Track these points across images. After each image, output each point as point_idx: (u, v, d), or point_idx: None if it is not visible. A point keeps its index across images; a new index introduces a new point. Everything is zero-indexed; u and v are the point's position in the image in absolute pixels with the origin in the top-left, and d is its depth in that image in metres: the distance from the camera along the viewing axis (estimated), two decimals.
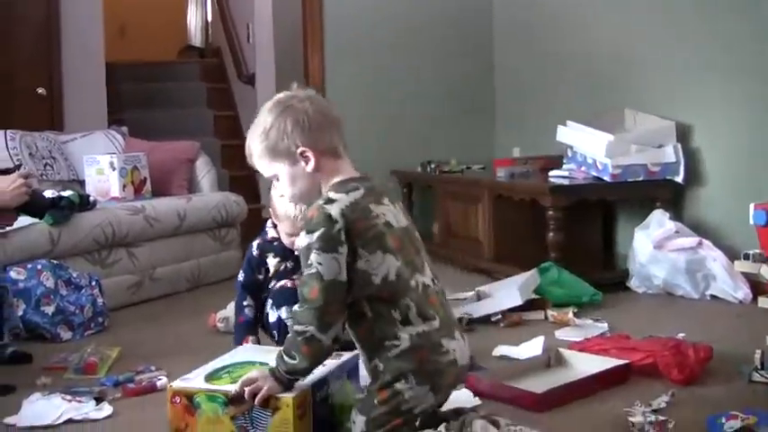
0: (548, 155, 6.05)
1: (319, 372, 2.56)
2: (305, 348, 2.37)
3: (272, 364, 2.48)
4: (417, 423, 2.43)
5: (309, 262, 2.37)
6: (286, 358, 2.41)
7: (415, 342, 2.38)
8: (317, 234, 2.36)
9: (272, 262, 3.62)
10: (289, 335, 2.44)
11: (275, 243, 3.63)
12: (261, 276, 3.64)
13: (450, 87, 7.23)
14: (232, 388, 2.50)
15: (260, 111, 2.57)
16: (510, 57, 7.15)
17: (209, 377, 2.61)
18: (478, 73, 7.29)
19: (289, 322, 2.57)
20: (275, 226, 3.64)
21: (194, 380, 2.60)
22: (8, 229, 3.96)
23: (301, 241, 2.41)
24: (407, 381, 2.37)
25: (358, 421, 2.42)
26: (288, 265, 3.58)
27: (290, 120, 2.47)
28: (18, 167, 3.92)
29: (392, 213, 2.49)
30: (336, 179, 2.50)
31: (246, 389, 2.44)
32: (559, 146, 5.64)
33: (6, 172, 3.77)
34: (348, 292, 2.38)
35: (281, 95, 2.57)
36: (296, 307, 2.42)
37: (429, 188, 6.76)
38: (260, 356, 2.78)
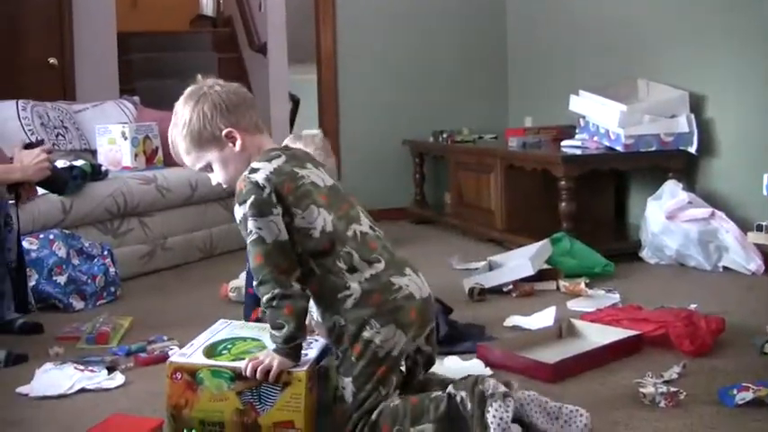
0: (560, 125, 6.03)
1: (318, 346, 2.56)
2: (284, 311, 2.39)
3: (270, 346, 2.47)
4: (402, 366, 2.50)
5: (249, 230, 2.40)
6: (275, 332, 2.41)
7: (366, 287, 2.42)
8: (249, 202, 2.39)
9: None
10: (265, 312, 2.45)
11: None
12: None
13: (463, 57, 7.21)
14: (235, 364, 2.49)
15: (174, 110, 2.59)
16: (523, 27, 7.12)
17: (208, 353, 2.60)
18: (491, 42, 7.27)
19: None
20: None
21: (194, 355, 2.59)
22: (28, 203, 3.98)
23: (237, 213, 2.44)
24: (371, 326, 2.40)
25: (346, 384, 2.42)
26: None
27: (206, 106, 2.51)
28: (41, 142, 3.94)
29: (316, 175, 2.54)
30: (260, 152, 2.55)
31: (258, 369, 2.42)
32: (572, 116, 5.62)
33: (29, 147, 3.78)
34: (293, 249, 2.42)
35: (189, 89, 2.59)
36: (254, 283, 2.44)
37: (441, 158, 6.75)
38: (248, 333, 2.76)
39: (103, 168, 5.14)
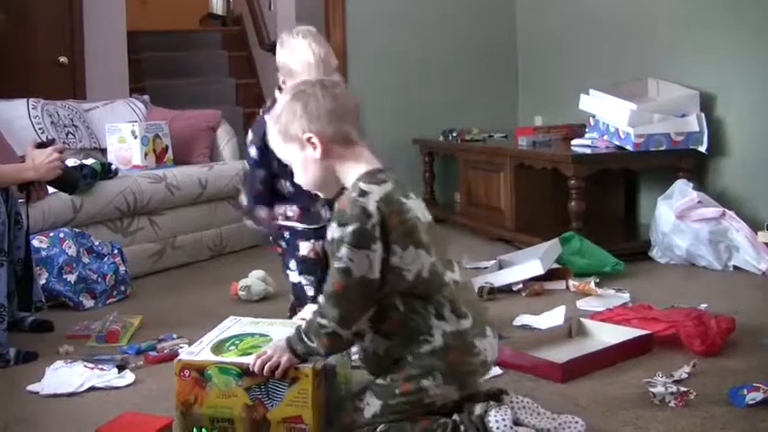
0: (570, 123, 6.03)
1: None
2: (325, 340, 2.36)
3: (289, 334, 2.47)
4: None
5: (339, 255, 2.28)
6: (305, 338, 2.40)
7: (449, 341, 2.33)
8: (350, 228, 2.27)
9: None
10: (312, 317, 2.41)
11: None
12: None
13: (472, 56, 7.21)
14: (242, 360, 2.50)
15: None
16: (532, 25, 7.12)
17: (216, 350, 2.61)
18: (501, 41, 7.26)
19: (310, 313, 2.49)
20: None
21: (201, 353, 2.60)
22: (39, 202, 3.99)
23: (333, 232, 2.32)
24: (435, 379, 2.33)
25: (372, 403, 2.38)
26: None
27: (299, 105, 2.43)
28: (52, 142, 3.94)
29: (419, 207, 2.41)
30: (361, 168, 2.42)
31: (266, 365, 2.43)
32: (582, 114, 5.62)
33: (41, 146, 3.79)
34: (379, 288, 2.31)
35: (298, 82, 2.59)
36: (321, 298, 2.37)
37: (451, 157, 6.75)
38: (257, 328, 2.77)
39: (113, 167, 5.15)
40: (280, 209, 3.48)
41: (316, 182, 2.48)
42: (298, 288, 3.49)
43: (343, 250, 2.27)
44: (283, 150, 2.50)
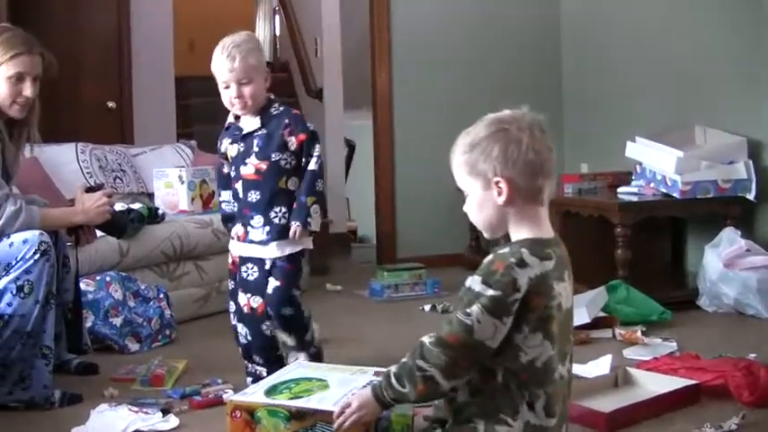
0: (616, 171, 6.00)
1: None
2: (421, 387, 2.22)
3: (374, 380, 2.39)
4: None
5: (469, 311, 2.16)
6: (396, 383, 2.27)
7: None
8: (491, 293, 2.15)
9: (228, 148, 3.63)
10: (407, 360, 2.26)
11: (229, 128, 3.66)
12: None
13: (518, 102, 7.19)
14: (292, 403, 2.50)
15: (482, 118, 2.43)
16: (578, 73, 7.11)
17: (269, 392, 2.61)
18: (546, 88, 7.25)
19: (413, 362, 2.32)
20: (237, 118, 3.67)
21: (254, 394, 2.61)
22: (87, 245, 4.04)
23: (472, 283, 2.20)
24: None
25: None
26: (240, 147, 3.56)
27: (499, 145, 2.28)
28: (101, 186, 3.98)
29: (566, 294, 2.28)
30: (533, 231, 2.29)
31: (349, 420, 2.34)
32: (628, 162, 5.59)
33: (91, 190, 3.83)
34: (491, 357, 2.19)
35: (506, 114, 2.42)
36: (428, 340, 2.23)
37: None
38: (316, 373, 2.77)
39: (160, 212, 5.19)
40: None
41: (485, 223, 2.33)
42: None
43: (475, 307, 2.15)
44: (463, 180, 2.34)
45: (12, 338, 3.29)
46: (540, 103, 7.32)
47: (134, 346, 4.38)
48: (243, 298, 3.51)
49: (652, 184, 5.25)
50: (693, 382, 3.31)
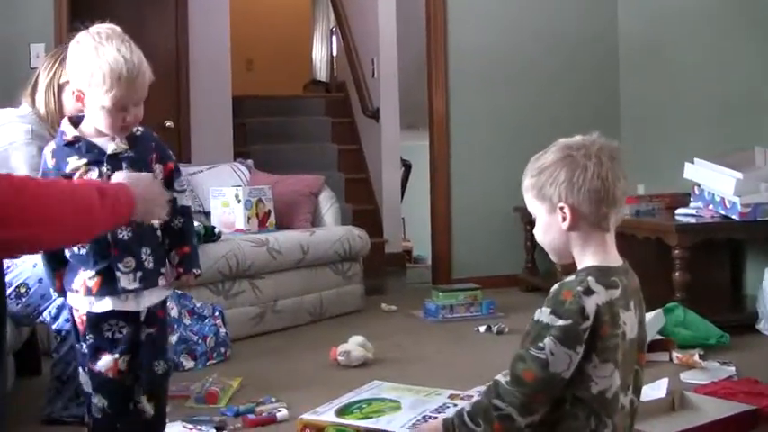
0: (674, 192, 5.95)
1: None
2: (497, 425, 2.19)
3: (448, 412, 2.39)
4: None
5: (541, 344, 2.16)
6: (470, 422, 2.23)
7: None
8: (561, 323, 2.15)
9: (74, 163, 2.62)
10: (481, 398, 2.25)
11: (79, 144, 2.64)
12: None
13: (575, 123, 7.12)
14: (362, 423, 2.50)
15: (554, 143, 2.45)
16: (636, 93, 7.07)
17: (340, 412, 2.62)
18: (603, 108, 7.22)
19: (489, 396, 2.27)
20: (75, 124, 2.69)
21: (324, 413, 2.63)
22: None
23: (541, 316, 2.20)
24: None
25: None
26: (105, 170, 2.62)
27: (565, 170, 2.31)
28: None
29: (631, 323, 2.26)
30: (598, 259, 2.31)
31: None
32: (686, 184, 5.54)
33: None
34: (564, 388, 2.19)
35: (577, 140, 2.44)
36: (504, 379, 2.21)
37: None
38: (391, 394, 2.78)
39: (217, 230, 5.22)
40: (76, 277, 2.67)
41: (550, 247, 2.38)
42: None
43: (548, 341, 2.15)
44: (531, 203, 2.40)
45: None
46: (597, 124, 7.30)
47: (189, 364, 4.40)
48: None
49: (711, 206, 5.19)
50: (752, 407, 3.26)
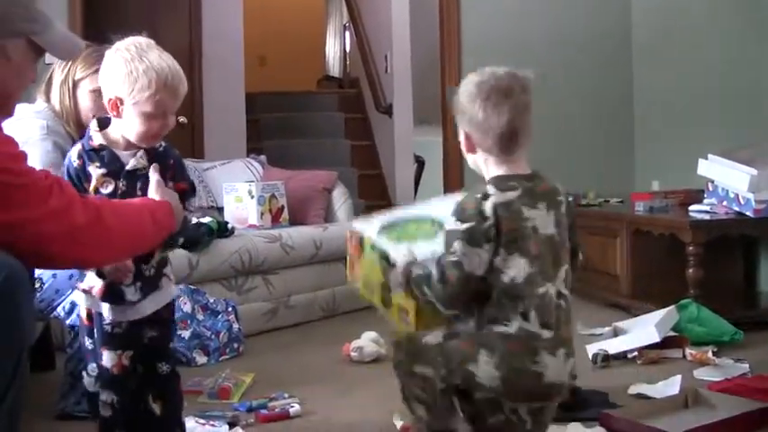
0: (688, 189, 5.93)
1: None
2: (423, 299, 2.57)
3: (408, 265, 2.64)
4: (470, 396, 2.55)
5: (453, 250, 2.45)
6: (415, 280, 2.57)
7: (520, 334, 2.44)
8: (466, 226, 2.45)
9: (95, 171, 2.68)
10: (421, 273, 2.55)
11: (103, 152, 2.68)
12: (87, 185, 2.71)
13: (588, 119, 7.16)
14: (392, 247, 2.71)
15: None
16: (650, 89, 7.05)
17: (384, 228, 2.81)
18: (617, 105, 7.20)
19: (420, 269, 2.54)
20: (103, 127, 2.73)
21: (372, 224, 2.85)
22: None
23: (450, 226, 2.50)
24: (490, 356, 2.44)
25: (434, 336, 2.58)
26: (120, 185, 2.66)
27: (462, 103, 2.61)
28: None
29: (542, 219, 2.53)
30: (500, 171, 2.59)
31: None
32: (700, 180, 5.52)
33: None
34: (480, 282, 2.47)
35: (482, 72, 2.67)
36: (435, 273, 2.49)
37: None
38: (441, 211, 2.82)
39: (230, 226, 5.22)
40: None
41: (473, 166, 2.70)
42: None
43: (457, 245, 2.45)
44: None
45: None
46: (610, 119, 7.29)
47: (202, 359, 4.41)
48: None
49: (725, 203, 5.18)
50: (766, 404, 3.25)
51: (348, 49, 11.45)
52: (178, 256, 4.62)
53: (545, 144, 7.03)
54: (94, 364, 2.72)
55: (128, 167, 2.66)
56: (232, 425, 3.25)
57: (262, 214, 5.63)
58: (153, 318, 2.70)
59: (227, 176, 6.09)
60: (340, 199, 6.24)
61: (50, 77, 3.64)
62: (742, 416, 3.18)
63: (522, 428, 2.55)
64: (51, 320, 3.75)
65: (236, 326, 4.64)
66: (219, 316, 4.60)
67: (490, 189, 2.50)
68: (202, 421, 3.24)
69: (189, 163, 6.01)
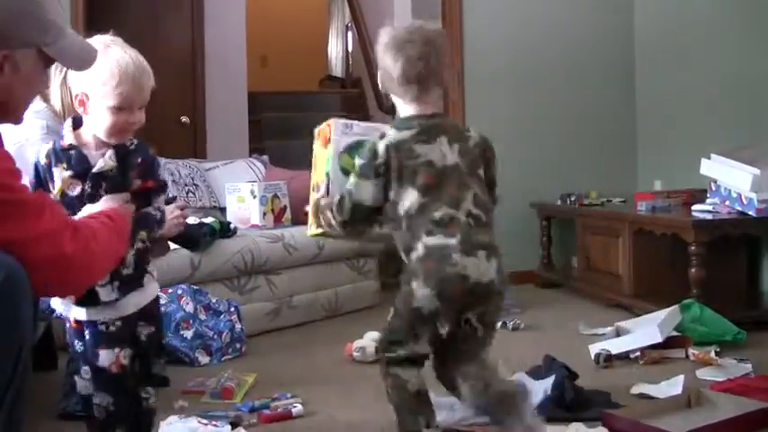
0: (690, 188, 5.93)
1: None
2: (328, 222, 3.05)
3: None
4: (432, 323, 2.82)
5: (349, 180, 2.95)
6: (330, 206, 3.02)
7: (429, 252, 2.77)
8: (361, 161, 2.91)
9: (60, 173, 2.65)
10: (328, 201, 3.02)
11: (71, 152, 2.65)
12: (51, 185, 2.69)
13: (591, 119, 7.16)
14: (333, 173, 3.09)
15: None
16: (652, 88, 7.05)
17: (350, 147, 3.11)
18: (619, 104, 7.20)
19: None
20: (77, 127, 2.70)
21: (346, 135, 3.15)
22: (159, 258, 4.05)
23: (356, 161, 2.95)
24: (417, 281, 2.77)
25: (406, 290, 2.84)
26: (86, 187, 2.63)
27: (382, 54, 3.00)
28: (174, 199, 4.04)
29: (440, 152, 2.89)
30: (409, 112, 2.99)
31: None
32: (703, 179, 5.52)
33: (165, 203, 3.87)
34: (378, 212, 2.94)
35: (398, 29, 3.03)
36: (336, 200, 2.98)
37: (569, 221, 6.68)
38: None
39: (232, 226, 5.23)
40: None
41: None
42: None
43: (352, 177, 2.94)
44: None
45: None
46: (613, 119, 7.29)
47: (204, 359, 4.41)
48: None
49: (727, 202, 5.17)
50: None
51: (350, 48, 11.45)
52: (181, 256, 4.63)
53: (548, 144, 7.05)
54: (87, 367, 2.68)
55: (94, 170, 2.63)
56: (235, 425, 3.25)
57: (264, 214, 5.63)
58: (144, 315, 2.71)
59: (230, 176, 6.10)
60: None
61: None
62: (745, 416, 3.17)
63: (475, 336, 2.87)
64: (53, 320, 3.74)
65: (238, 326, 4.64)
66: (222, 316, 4.60)
67: (389, 130, 2.93)
68: (205, 421, 3.23)
69: (191, 163, 6.02)
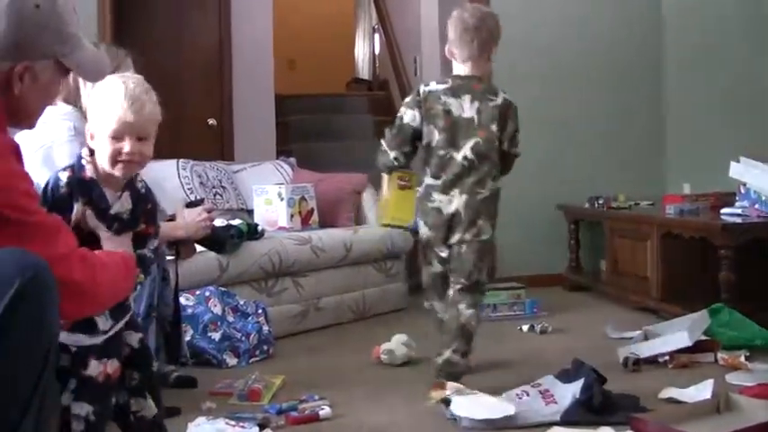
0: (719, 191, 5.90)
1: None
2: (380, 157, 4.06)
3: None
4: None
5: (399, 111, 3.96)
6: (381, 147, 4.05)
7: (423, 192, 3.89)
8: (408, 98, 3.95)
9: (80, 208, 2.61)
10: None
11: (93, 188, 2.62)
12: (68, 216, 2.59)
13: (619, 121, 7.13)
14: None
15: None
16: (681, 91, 7.01)
17: None
18: (647, 106, 7.17)
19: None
20: (93, 154, 2.65)
21: None
22: (187, 260, 4.07)
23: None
24: (419, 218, 3.93)
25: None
26: (102, 226, 2.63)
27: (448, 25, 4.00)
28: (201, 201, 4.06)
29: (459, 106, 3.85)
30: (455, 72, 3.94)
31: None
32: (732, 182, 5.49)
33: (191, 205, 3.89)
34: (417, 138, 3.89)
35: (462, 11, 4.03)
36: (397, 116, 3.95)
37: (597, 224, 6.66)
38: None
39: (260, 228, 5.23)
40: None
41: None
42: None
43: (402, 108, 3.94)
44: None
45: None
46: (641, 121, 7.26)
47: (232, 361, 4.42)
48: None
49: (756, 206, 5.14)
50: None
51: (377, 51, 11.45)
52: (208, 258, 4.64)
53: (576, 146, 7.03)
54: (73, 379, 2.55)
55: (112, 211, 2.63)
56: (262, 426, 3.25)
57: (291, 216, 5.64)
58: (128, 324, 2.71)
59: (257, 179, 6.11)
60: (370, 201, 6.25)
61: (76, 79, 3.65)
62: None
63: (460, 257, 3.87)
64: None
65: (266, 328, 4.65)
66: (249, 318, 4.60)
67: (432, 82, 3.93)
68: (232, 423, 3.24)
69: (218, 165, 6.04)
